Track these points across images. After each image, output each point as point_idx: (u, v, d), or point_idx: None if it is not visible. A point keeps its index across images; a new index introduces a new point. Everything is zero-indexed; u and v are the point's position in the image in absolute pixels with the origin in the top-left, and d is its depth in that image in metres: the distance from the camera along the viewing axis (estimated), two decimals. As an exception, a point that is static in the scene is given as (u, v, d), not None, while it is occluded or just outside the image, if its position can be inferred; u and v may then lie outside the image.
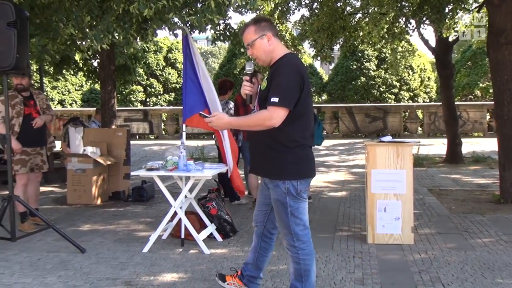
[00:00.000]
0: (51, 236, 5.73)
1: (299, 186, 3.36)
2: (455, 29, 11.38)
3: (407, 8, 10.23)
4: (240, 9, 5.58)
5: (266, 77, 3.44)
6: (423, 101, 22.70)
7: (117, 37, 5.50)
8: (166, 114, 21.54)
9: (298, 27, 13.42)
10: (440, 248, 5.16)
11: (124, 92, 24.81)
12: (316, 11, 12.13)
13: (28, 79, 6.13)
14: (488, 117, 18.87)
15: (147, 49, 24.90)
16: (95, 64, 13.47)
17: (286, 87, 3.21)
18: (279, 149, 3.33)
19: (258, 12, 12.32)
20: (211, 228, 5.52)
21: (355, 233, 5.87)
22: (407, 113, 19.76)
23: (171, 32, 5.79)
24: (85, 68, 13.40)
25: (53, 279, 4.39)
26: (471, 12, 11.89)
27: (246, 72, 3.53)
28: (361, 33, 12.49)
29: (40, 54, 6.08)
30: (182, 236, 5.37)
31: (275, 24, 13.14)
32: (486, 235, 5.62)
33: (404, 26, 11.48)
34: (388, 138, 5.54)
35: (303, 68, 3.37)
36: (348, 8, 12.51)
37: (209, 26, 5.92)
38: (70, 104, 25.57)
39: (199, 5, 5.40)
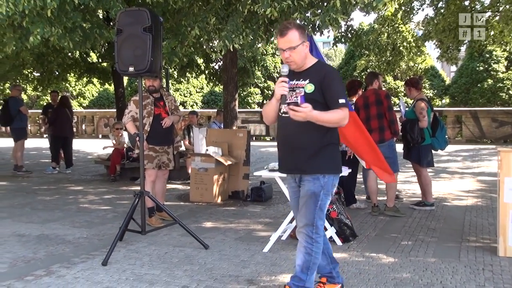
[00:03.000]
0: (176, 231, 6.00)
1: (335, 181, 3.72)
2: None
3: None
4: (368, 10, 5.47)
5: (308, 81, 3.61)
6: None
7: (245, 38, 5.63)
8: (282, 116, 21.76)
9: (421, 28, 12.95)
10: None
11: (242, 94, 25.45)
12: (442, 10, 11.61)
13: (159, 81, 6.47)
14: None
15: (265, 52, 25.33)
16: (216, 67, 13.96)
17: (343, 90, 3.66)
18: (324, 145, 3.61)
19: (381, 12, 12.08)
20: (331, 231, 5.46)
21: (484, 244, 5.51)
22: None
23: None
24: (206, 71, 13.93)
25: (179, 272, 4.58)
26: None
27: (282, 74, 3.60)
28: (492, 33, 11.74)
29: (169, 56, 6.39)
30: (302, 238, 5.36)
31: (397, 25, 12.86)
32: None
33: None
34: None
35: None
36: (477, 6, 11.83)
37: (330, 28, 5.87)
38: (192, 106, 26.71)
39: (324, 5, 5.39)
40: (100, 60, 14.51)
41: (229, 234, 6.01)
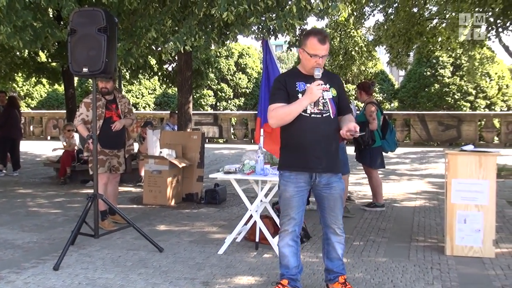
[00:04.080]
0: (130, 235, 5.93)
1: None
2: (541, 34, 10.87)
3: (488, 14, 9.86)
4: (322, 15, 5.58)
5: (329, 86, 3.88)
6: (501, 110, 21.76)
7: (197, 41, 5.64)
8: (235, 119, 21.84)
9: (372, 33, 13.26)
10: (524, 263, 4.94)
11: (195, 96, 25.31)
12: (392, 16, 11.93)
13: (112, 83, 6.37)
14: None
15: (219, 54, 25.29)
16: (170, 69, 13.85)
17: None
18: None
19: (336, 18, 12.30)
20: (285, 233, 5.52)
21: (431, 243, 5.71)
22: (483, 122, 19.03)
23: (253, 36, 5.88)
24: (159, 73, 13.80)
25: (134, 276, 4.54)
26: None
27: (318, 77, 3.74)
28: (440, 39, 12.15)
29: (125, 57, 6.32)
30: (257, 240, 5.41)
31: (349, 30, 13.13)
32: None
33: (485, 32, 11.07)
34: (470, 147, 5.37)
35: None
36: (425, 13, 12.22)
37: (286, 32, 5.93)
38: (144, 107, 26.36)
39: (280, 10, 5.45)
40: (49, 60, 14.14)
41: (184, 237, 5.99)
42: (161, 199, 8.01)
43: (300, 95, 3.77)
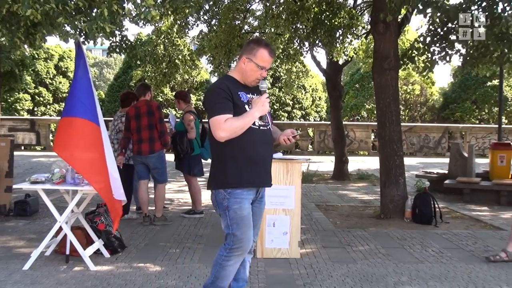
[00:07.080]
0: None
1: None
2: (345, 53, 12.03)
3: (301, 30, 10.63)
4: (136, 21, 5.48)
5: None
6: (314, 120, 23.61)
7: (3, 40, 5.20)
8: (55, 125, 20.64)
9: (197, 42, 13.48)
10: (324, 262, 5.38)
11: (9, 100, 23.44)
12: (215, 27, 12.27)
13: None
14: (372, 136, 19.97)
15: (36, 56, 23.75)
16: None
17: None
18: None
19: (157, 25, 12.26)
20: (98, 244, 5.34)
21: (246, 248, 5.94)
22: (299, 131, 20.42)
23: (64, 38, 5.56)
24: (-34, 73, 12.54)
25: None
26: (360, 37, 12.64)
27: (264, 90, 3.66)
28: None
29: None
30: (67, 253, 5.14)
31: (173, 38, 13.19)
32: (366, 249, 5.94)
33: (298, 47, 11.92)
34: (279, 155, 5.69)
35: None
36: (246, 27, 12.76)
37: (101, 35, 5.73)
38: None
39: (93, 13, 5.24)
40: None
41: (-16, 253, 5.49)
42: (-39, 213, 7.25)
43: (247, 107, 3.51)
